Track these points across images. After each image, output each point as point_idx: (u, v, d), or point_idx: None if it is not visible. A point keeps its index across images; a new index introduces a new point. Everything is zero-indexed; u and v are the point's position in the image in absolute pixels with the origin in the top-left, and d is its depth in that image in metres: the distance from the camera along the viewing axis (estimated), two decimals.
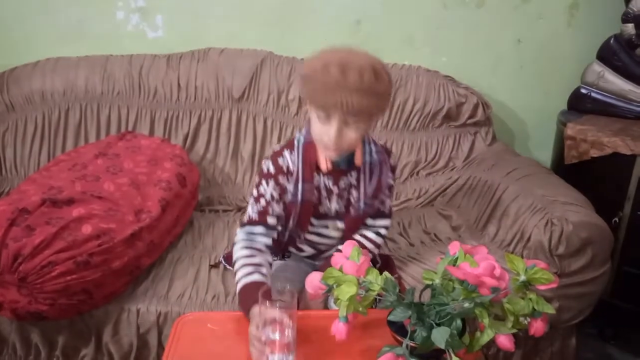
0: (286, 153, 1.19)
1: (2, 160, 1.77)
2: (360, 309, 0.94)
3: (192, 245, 1.55)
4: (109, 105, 1.80)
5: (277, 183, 1.18)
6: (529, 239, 1.43)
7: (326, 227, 1.27)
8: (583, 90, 1.97)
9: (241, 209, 1.78)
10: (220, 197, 1.81)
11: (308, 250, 1.33)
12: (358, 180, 1.22)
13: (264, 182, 1.19)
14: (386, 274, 0.95)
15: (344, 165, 1.20)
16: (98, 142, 1.67)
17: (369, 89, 1.04)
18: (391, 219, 1.34)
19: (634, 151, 1.65)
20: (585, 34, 1.99)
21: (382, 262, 1.41)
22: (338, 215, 1.26)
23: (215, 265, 1.44)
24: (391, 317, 0.93)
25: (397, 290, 0.93)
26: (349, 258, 0.98)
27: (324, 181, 1.21)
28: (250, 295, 1.05)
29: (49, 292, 1.16)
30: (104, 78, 1.80)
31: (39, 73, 1.80)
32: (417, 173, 1.87)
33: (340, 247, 1.20)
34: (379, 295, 0.93)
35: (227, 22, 1.92)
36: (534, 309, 0.91)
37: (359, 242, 1.26)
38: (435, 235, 1.62)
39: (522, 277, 0.91)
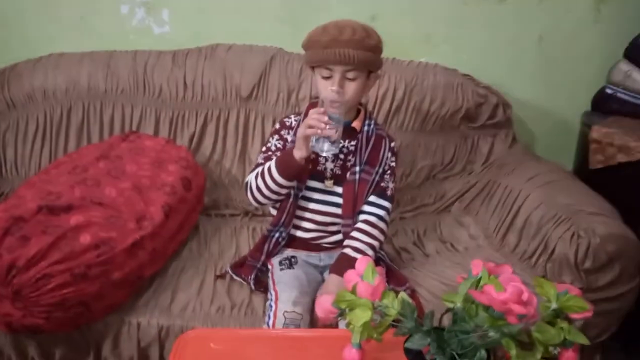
0: (292, 116, 1.39)
1: (2, 161, 1.71)
2: (375, 335, 0.87)
3: (198, 253, 1.48)
4: (113, 103, 1.73)
5: (280, 137, 1.36)
6: (552, 251, 1.34)
7: (325, 192, 1.35)
8: (608, 91, 1.87)
9: (249, 213, 1.71)
10: (227, 200, 1.74)
11: (311, 227, 1.37)
12: (356, 147, 1.33)
13: (270, 138, 1.38)
14: (403, 295, 0.88)
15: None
16: (100, 144, 1.60)
17: (361, 42, 1.21)
18: (392, 204, 1.38)
19: None
20: (612, 31, 1.88)
21: (388, 270, 1.35)
22: (335, 178, 1.34)
23: (222, 276, 1.38)
24: (408, 345, 0.85)
25: (416, 315, 0.86)
26: (362, 277, 0.90)
27: None
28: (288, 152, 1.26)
29: (45, 305, 1.10)
30: (107, 75, 1.73)
31: (41, 70, 1.74)
32: (434, 177, 1.78)
33: (340, 234, 1.35)
34: (395, 320, 0.86)
35: (236, 17, 1.84)
36: (565, 338, 0.84)
37: (362, 229, 1.32)
38: (452, 244, 1.54)
39: (554, 305, 0.83)
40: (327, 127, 1.15)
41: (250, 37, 1.81)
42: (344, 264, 1.26)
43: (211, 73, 1.73)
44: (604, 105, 1.88)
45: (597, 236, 1.28)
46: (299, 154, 1.22)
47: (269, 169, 1.28)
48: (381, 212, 1.35)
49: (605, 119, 1.81)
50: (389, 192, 1.37)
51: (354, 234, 1.33)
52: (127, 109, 1.73)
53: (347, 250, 1.31)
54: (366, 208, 1.35)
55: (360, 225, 1.33)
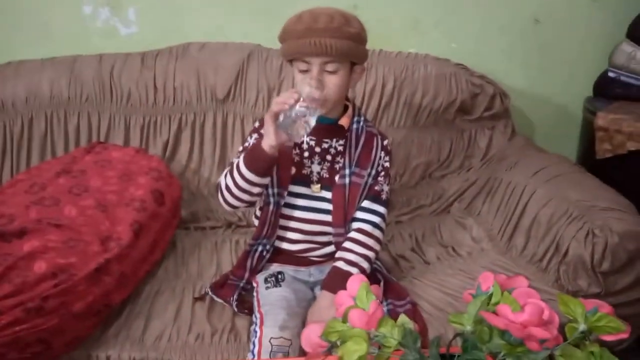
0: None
1: None
2: None
3: (174, 273, 1.35)
4: (78, 112, 1.59)
5: (259, 135, 1.20)
6: (565, 253, 1.22)
7: (311, 197, 1.22)
8: (611, 74, 1.77)
9: (231, 225, 1.58)
10: (207, 211, 1.60)
11: (297, 238, 1.24)
12: (344, 147, 1.22)
13: (249, 137, 1.25)
14: (405, 322, 0.75)
15: (326, 122, 1.18)
16: (63, 157, 1.46)
17: (339, 29, 1.09)
18: (387, 208, 1.25)
19: None
20: (613, 10, 1.79)
21: (385, 283, 1.23)
22: (322, 182, 1.22)
23: (201, 298, 1.24)
24: None
25: (419, 344, 0.73)
26: (355, 300, 0.77)
27: (305, 139, 1.21)
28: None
29: None
30: (71, 82, 1.59)
31: None
32: (430, 175, 1.66)
33: (331, 246, 1.23)
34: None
35: (208, 13, 1.71)
36: None
37: (356, 239, 1.20)
38: (453, 249, 1.42)
39: (582, 326, 0.70)
40: (298, 104, 1.02)
41: (225, 33, 1.71)
42: (337, 279, 1.14)
43: (184, 74, 1.61)
44: (607, 89, 1.78)
45: (615, 234, 1.16)
46: (267, 142, 1.08)
47: (237, 164, 1.14)
48: (376, 219, 1.22)
49: (610, 104, 1.71)
50: (383, 196, 1.24)
51: (347, 244, 1.20)
52: (94, 118, 1.60)
53: (340, 264, 1.18)
54: (359, 215, 1.22)
55: (353, 234, 1.20)
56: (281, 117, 1.04)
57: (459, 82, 1.65)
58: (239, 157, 1.17)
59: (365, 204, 1.22)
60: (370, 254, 1.20)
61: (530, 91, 1.88)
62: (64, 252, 1.08)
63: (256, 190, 1.15)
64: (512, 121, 1.74)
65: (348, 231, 1.21)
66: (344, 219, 1.20)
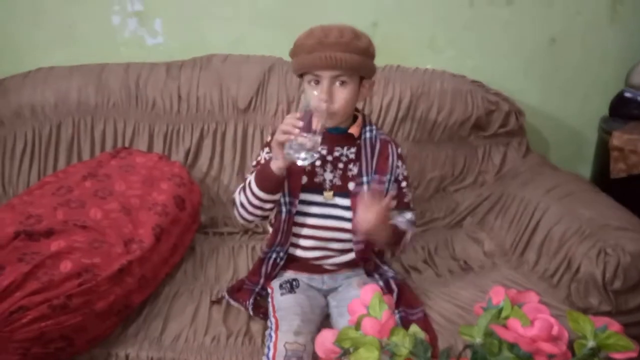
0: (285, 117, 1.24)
1: None
2: None
3: (193, 276, 1.39)
4: (104, 118, 1.65)
5: (270, 149, 1.21)
6: (577, 270, 1.23)
7: (324, 205, 1.24)
8: (628, 94, 1.77)
9: (248, 231, 1.62)
10: (226, 217, 1.64)
11: (311, 245, 1.26)
12: (357, 154, 1.23)
13: (261, 151, 1.27)
14: (416, 332, 0.77)
15: (337, 132, 1.21)
16: (89, 161, 1.52)
17: (349, 44, 1.12)
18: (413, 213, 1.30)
19: None
20: (630, 31, 1.79)
21: (400, 290, 1.24)
22: (335, 189, 1.23)
23: (218, 301, 1.27)
24: None
25: (430, 354, 0.76)
26: (369, 308, 0.80)
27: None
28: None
29: (20, 341, 1.01)
30: (98, 89, 1.65)
31: (30, 84, 1.66)
32: (444, 189, 1.68)
33: (345, 255, 1.25)
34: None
35: (231, 26, 1.77)
36: None
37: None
38: (465, 262, 1.43)
39: (591, 343, 0.72)
40: (303, 133, 1.04)
41: (247, 46, 1.75)
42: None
43: (207, 85, 1.65)
44: (623, 110, 1.78)
45: (627, 254, 1.17)
46: (275, 164, 1.12)
47: (249, 183, 1.18)
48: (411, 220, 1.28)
49: (626, 124, 1.71)
50: (411, 205, 1.29)
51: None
52: (120, 124, 1.65)
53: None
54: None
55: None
56: (287, 147, 1.06)
57: (474, 98, 1.67)
58: (251, 173, 1.22)
59: (396, 214, 1.24)
60: (413, 220, 1.25)
61: (545, 109, 1.89)
62: (89, 252, 1.12)
63: (268, 206, 1.19)
64: (526, 138, 1.75)
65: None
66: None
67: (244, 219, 1.23)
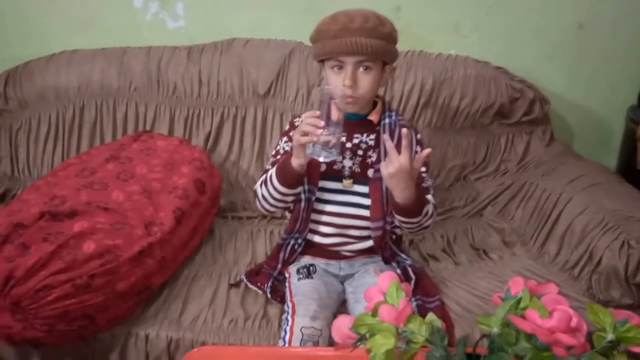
0: (303, 115, 1.17)
1: (14, 161, 1.66)
2: None
3: (212, 259, 1.40)
4: (126, 101, 1.67)
5: (289, 139, 1.22)
6: (599, 262, 1.21)
7: (343, 192, 1.24)
8: None
9: (267, 216, 1.62)
10: (245, 202, 1.65)
11: (329, 232, 1.26)
12: (377, 141, 1.22)
13: (280, 141, 1.28)
14: (433, 320, 0.77)
15: (356, 118, 1.21)
16: (111, 144, 1.54)
17: (373, 30, 1.12)
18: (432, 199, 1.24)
19: None
20: None
21: (417, 278, 1.24)
22: (354, 176, 1.23)
23: (236, 285, 1.29)
24: None
25: (446, 342, 0.76)
26: (385, 295, 0.80)
27: None
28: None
29: (45, 317, 1.04)
30: (120, 72, 1.66)
31: (53, 67, 1.68)
32: (464, 177, 1.66)
33: (363, 242, 1.24)
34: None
35: (253, 10, 1.75)
36: None
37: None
38: (484, 252, 1.42)
39: (610, 335, 0.71)
40: (324, 132, 1.03)
41: (268, 30, 1.73)
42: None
43: (227, 69, 1.65)
44: None
45: None
46: (296, 161, 1.12)
47: (271, 177, 1.20)
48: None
49: None
50: (431, 190, 1.25)
51: None
52: (141, 107, 1.67)
53: None
54: None
55: None
56: (310, 146, 1.05)
57: (498, 85, 1.64)
58: (271, 164, 1.23)
59: None
60: (431, 201, 1.20)
61: (571, 97, 1.85)
62: (111, 234, 1.14)
63: (290, 198, 1.21)
64: (551, 127, 1.72)
65: (387, 224, 1.22)
66: (382, 212, 1.21)
67: (265, 209, 1.25)
